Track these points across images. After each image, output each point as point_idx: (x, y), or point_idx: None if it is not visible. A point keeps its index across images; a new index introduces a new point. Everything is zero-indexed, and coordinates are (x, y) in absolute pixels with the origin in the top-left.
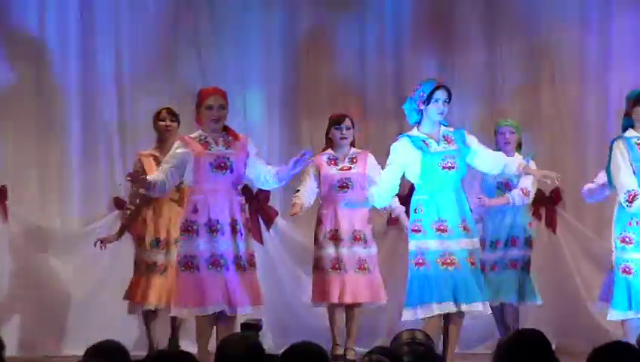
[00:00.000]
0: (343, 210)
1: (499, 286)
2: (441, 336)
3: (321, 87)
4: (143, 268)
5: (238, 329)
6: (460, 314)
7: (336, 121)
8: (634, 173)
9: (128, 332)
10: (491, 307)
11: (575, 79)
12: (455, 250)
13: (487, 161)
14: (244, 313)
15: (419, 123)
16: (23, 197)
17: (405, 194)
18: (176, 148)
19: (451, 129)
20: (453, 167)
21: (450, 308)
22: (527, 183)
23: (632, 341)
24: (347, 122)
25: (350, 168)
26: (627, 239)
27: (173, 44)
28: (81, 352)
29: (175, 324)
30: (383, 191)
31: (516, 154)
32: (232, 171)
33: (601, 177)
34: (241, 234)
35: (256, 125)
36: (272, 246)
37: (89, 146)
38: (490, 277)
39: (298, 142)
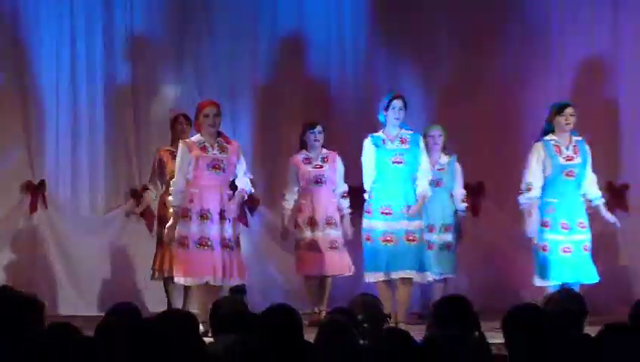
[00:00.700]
0: (318, 197)
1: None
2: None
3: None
4: (165, 243)
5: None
6: (404, 281)
7: (310, 126)
8: (550, 169)
9: (145, 296)
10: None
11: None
12: (395, 229)
13: (420, 167)
14: (230, 284)
15: (384, 125)
16: (59, 190)
17: None
18: (182, 153)
19: (410, 132)
20: (401, 162)
21: (381, 277)
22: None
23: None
24: (319, 127)
25: (322, 166)
26: (545, 223)
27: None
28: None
29: (187, 292)
30: (368, 177)
31: (442, 154)
32: (224, 171)
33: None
34: (229, 221)
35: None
36: (256, 230)
37: (111, 147)
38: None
39: (276, 142)
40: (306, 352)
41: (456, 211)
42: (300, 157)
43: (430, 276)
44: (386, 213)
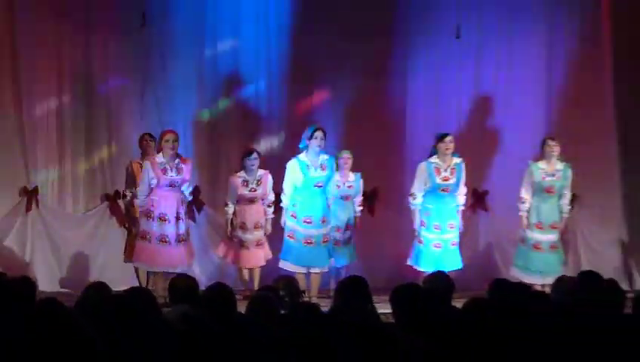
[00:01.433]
0: (250, 211)
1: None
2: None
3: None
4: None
5: None
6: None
7: (248, 153)
8: (429, 184)
9: (120, 278)
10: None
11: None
12: (314, 235)
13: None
14: (181, 270)
15: (306, 149)
16: (48, 195)
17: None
18: (147, 170)
19: (326, 157)
20: (321, 186)
21: (302, 270)
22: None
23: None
24: (255, 154)
25: (256, 190)
26: (423, 223)
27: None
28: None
29: (149, 275)
30: (288, 194)
31: (350, 173)
32: (179, 187)
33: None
34: (182, 220)
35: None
36: (202, 224)
37: (89, 160)
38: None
39: (218, 156)
40: (239, 319)
41: (354, 213)
42: (238, 180)
43: (335, 265)
44: (308, 222)
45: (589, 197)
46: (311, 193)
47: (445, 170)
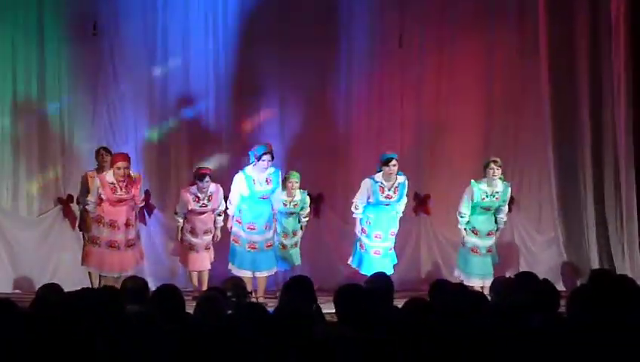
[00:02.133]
0: (200, 220)
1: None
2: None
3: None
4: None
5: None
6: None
7: (200, 177)
8: (372, 199)
9: (72, 279)
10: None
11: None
12: (257, 240)
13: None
14: (130, 273)
15: (255, 164)
16: (2, 198)
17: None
18: (96, 184)
19: (272, 170)
20: (266, 198)
21: (247, 273)
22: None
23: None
24: (207, 178)
25: (206, 205)
26: (364, 230)
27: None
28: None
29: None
30: (234, 204)
31: (298, 192)
32: (127, 202)
33: None
34: (132, 226)
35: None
36: (152, 227)
37: (43, 166)
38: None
39: (168, 163)
40: (187, 318)
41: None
42: (190, 196)
43: (279, 268)
44: (251, 229)
45: (526, 200)
46: (256, 202)
47: (389, 190)
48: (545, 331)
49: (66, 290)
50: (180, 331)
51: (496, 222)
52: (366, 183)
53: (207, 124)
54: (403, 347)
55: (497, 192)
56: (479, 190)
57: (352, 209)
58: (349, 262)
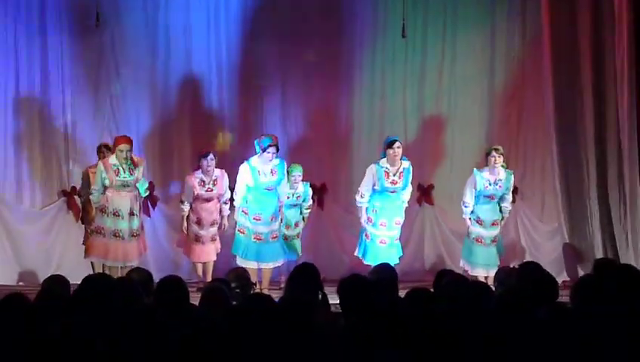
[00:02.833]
0: (206, 209)
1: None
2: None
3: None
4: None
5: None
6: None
7: (205, 154)
8: (378, 186)
9: (77, 271)
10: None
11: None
12: (263, 231)
13: (280, 188)
14: (133, 264)
15: (260, 155)
16: (5, 190)
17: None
18: (100, 170)
19: (277, 162)
20: (271, 190)
21: (252, 264)
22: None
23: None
24: (211, 155)
25: (212, 190)
26: (370, 219)
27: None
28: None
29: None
30: (240, 195)
31: (300, 184)
32: (131, 186)
33: None
34: (136, 216)
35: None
36: (156, 219)
37: (47, 158)
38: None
39: (171, 155)
40: (191, 310)
41: (302, 213)
42: (195, 180)
43: (284, 259)
44: (257, 219)
45: (529, 189)
46: (261, 193)
47: (394, 175)
48: (550, 321)
49: (71, 283)
50: (181, 326)
51: (500, 211)
52: (371, 169)
53: (210, 116)
54: (404, 336)
55: (500, 180)
56: (482, 178)
57: (357, 198)
58: (355, 254)
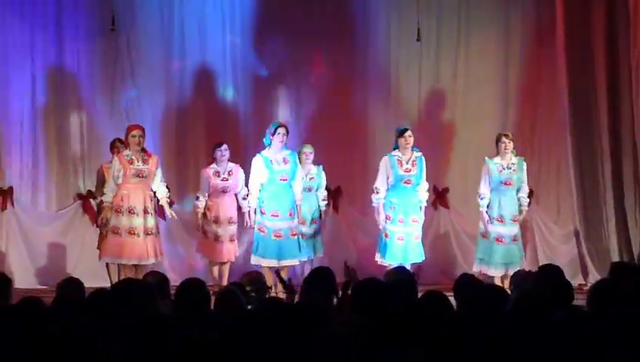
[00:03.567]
0: (223, 204)
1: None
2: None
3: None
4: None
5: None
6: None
7: (218, 145)
8: (392, 178)
9: (92, 274)
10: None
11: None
12: (282, 228)
13: (295, 179)
14: (149, 263)
15: (270, 145)
16: (22, 194)
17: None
18: (115, 164)
19: (289, 152)
20: (286, 180)
21: (273, 263)
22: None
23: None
24: (225, 145)
25: (227, 179)
26: (388, 217)
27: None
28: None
29: (120, 270)
30: (254, 193)
31: (312, 166)
32: (146, 178)
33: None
34: (151, 214)
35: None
36: (171, 222)
37: (62, 162)
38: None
39: (186, 157)
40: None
41: (319, 206)
42: (210, 171)
43: (303, 258)
44: (275, 216)
45: (544, 192)
46: (277, 187)
47: (407, 163)
48: (566, 325)
49: (86, 286)
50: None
51: (519, 203)
52: (384, 160)
53: (225, 117)
54: (418, 338)
55: (513, 164)
56: (494, 164)
57: (373, 196)
58: (376, 259)
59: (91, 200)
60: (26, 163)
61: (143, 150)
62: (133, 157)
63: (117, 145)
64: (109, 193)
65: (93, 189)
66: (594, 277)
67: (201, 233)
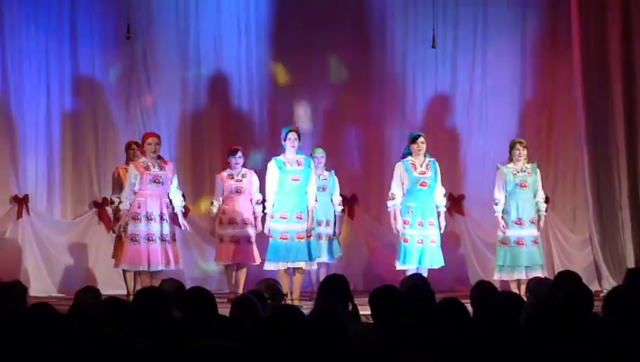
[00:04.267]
0: (238, 204)
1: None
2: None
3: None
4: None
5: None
6: (298, 269)
7: (233, 152)
8: (407, 182)
9: (108, 282)
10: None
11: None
12: (289, 230)
13: (309, 184)
14: (165, 270)
15: (284, 150)
16: (37, 202)
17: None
18: (131, 171)
19: (303, 156)
20: (298, 180)
21: (283, 266)
22: (338, 198)
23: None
24: (239, 152)
25: (241, 181)
26: (406, 221)
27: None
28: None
29: (136, 277)
30: (271, 193)
31: (324, 169)
32: (162, 184)
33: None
34: (167, 221)
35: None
36: (187, 230)
37: (77, 169)
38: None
39: (202, 166)
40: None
41: (334, 210)
42: (224, 174)
43: (315, 264)
44: (283, 218)
45: (560, 200)
46: (288, 188)
47: (421, 166)
48: (582, 332)
49: (102, 294)
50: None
51: (537, 207)
52: (398, 166)
53: (240, 124)
54: (434, 345)
55: (527, 167)
56: (508, 169)
57: (388, 202)
58: (395, 265)
59: (107, 207)
60: (41, 170)
61: (159, 158)
62: (150, 164)
63: (132, 148)
64: (126, 201)
65: (108, 196)
66: (610, 283)
67: (218, 239)
